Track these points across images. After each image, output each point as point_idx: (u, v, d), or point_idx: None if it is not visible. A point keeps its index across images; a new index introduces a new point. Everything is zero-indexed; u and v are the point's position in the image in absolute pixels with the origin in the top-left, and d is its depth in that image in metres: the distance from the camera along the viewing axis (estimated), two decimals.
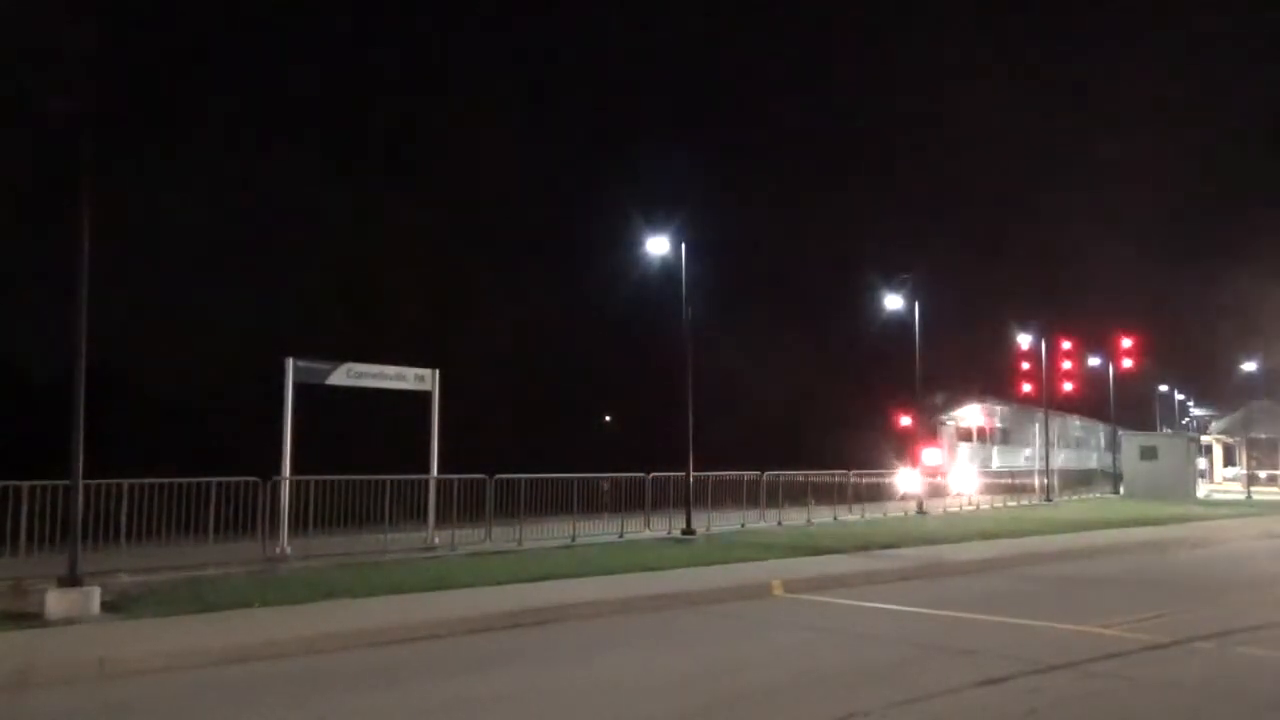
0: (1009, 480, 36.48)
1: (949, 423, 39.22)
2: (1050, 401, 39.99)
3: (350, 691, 7.60)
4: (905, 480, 30.72)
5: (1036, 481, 38.66)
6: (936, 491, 31.32)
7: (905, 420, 31.63)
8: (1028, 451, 42.37)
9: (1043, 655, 8.63)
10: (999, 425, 40.05)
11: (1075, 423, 49.83)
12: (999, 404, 37.95)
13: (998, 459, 39.60)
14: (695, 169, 71.39)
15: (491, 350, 41.24)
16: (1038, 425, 42.66)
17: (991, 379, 38.97)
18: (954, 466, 35.16)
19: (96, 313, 11.10)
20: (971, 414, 38.67)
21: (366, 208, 40.31)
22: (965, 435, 38.88)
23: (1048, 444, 40.39)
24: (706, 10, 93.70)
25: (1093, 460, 49.03)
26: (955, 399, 38.42)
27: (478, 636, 9.80)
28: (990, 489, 34.37)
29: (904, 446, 31.03)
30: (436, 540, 16.65)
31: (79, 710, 7.21)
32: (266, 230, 38.00)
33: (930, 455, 31.62)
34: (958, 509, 29.94)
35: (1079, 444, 49.59)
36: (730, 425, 45.37)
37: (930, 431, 35.32)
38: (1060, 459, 46.41)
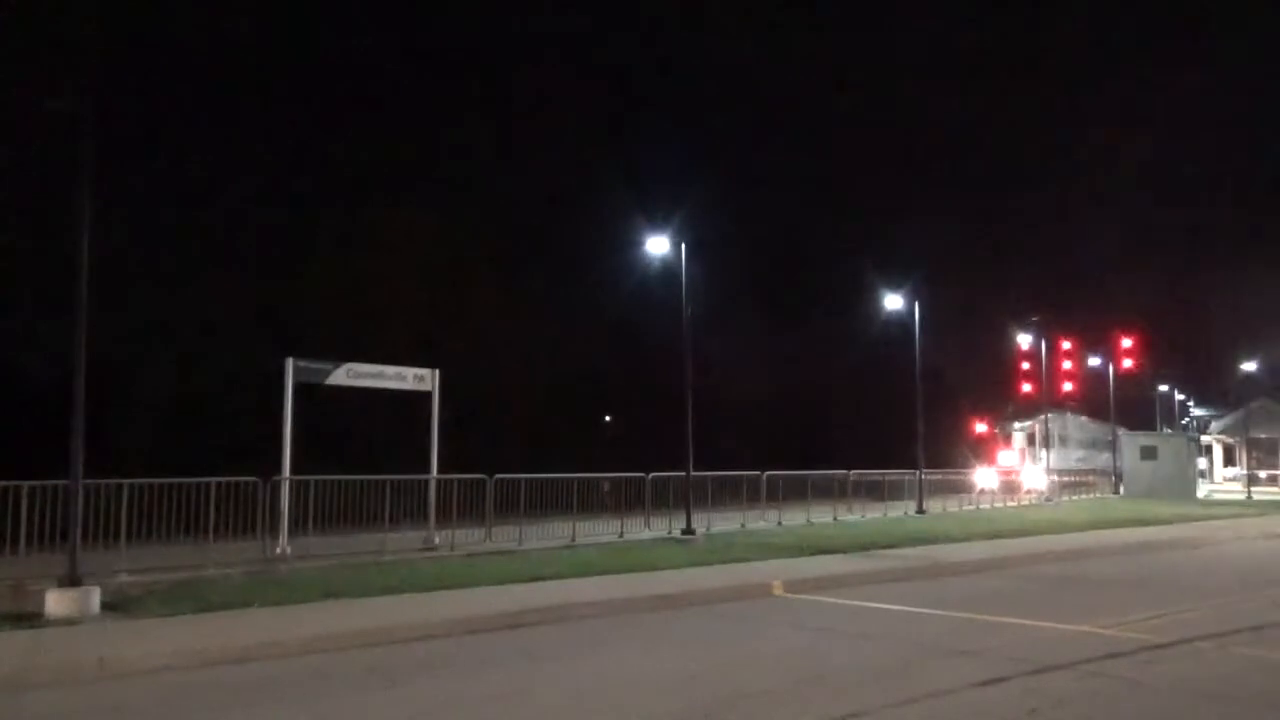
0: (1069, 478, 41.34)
1: (1018, 430, 44.16)
2: (1051, 401, 40.45)
3: (350, 691, 7.60)
4: (983, 477, 35.57)
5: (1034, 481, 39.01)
6: (1010, 488, 36.44)
7: (980, 427, 37.87)
8: (1079, 454, 47.11)
9: (1043, 655, 8.63)
10: (1058, 432, 42.97)
11: (1106, 427, 51.71)
12: (1058, 414, 42.57)
13: (1054, 460, 43.93)
14: (695, 169, 71.36)
15: (491, 350, 41.20)
16: (1081, 430, 48.41)
17: (996, 382, 41.36)
18: (1026, 467, 40.71)
19: (96, 312, 11.11)
20: (1038, 423, 43.36)
21: (367, 207, 40.28)
22: (1032, 440, 43.53)
23: (1048, 444, 40.59)
24: (707, 10, 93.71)
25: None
26: (1024, 410, 42.76)
27: (477, 636, 9.80)
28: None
29: (981, 449, 36.83)
30: (436, 540, 16.66)
31: (79, 710, 7.21)
32: (267, 229, 37.93)
33: (1005, 456, 37.85)
34: (957, 509, 29.94)
35: (1109, 446, 51.01)
36: (730, 425, 45.41)
37: (1005, 437, 41.21)
38: (1100, 460, 49.12)
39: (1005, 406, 43.14)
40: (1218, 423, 63.79)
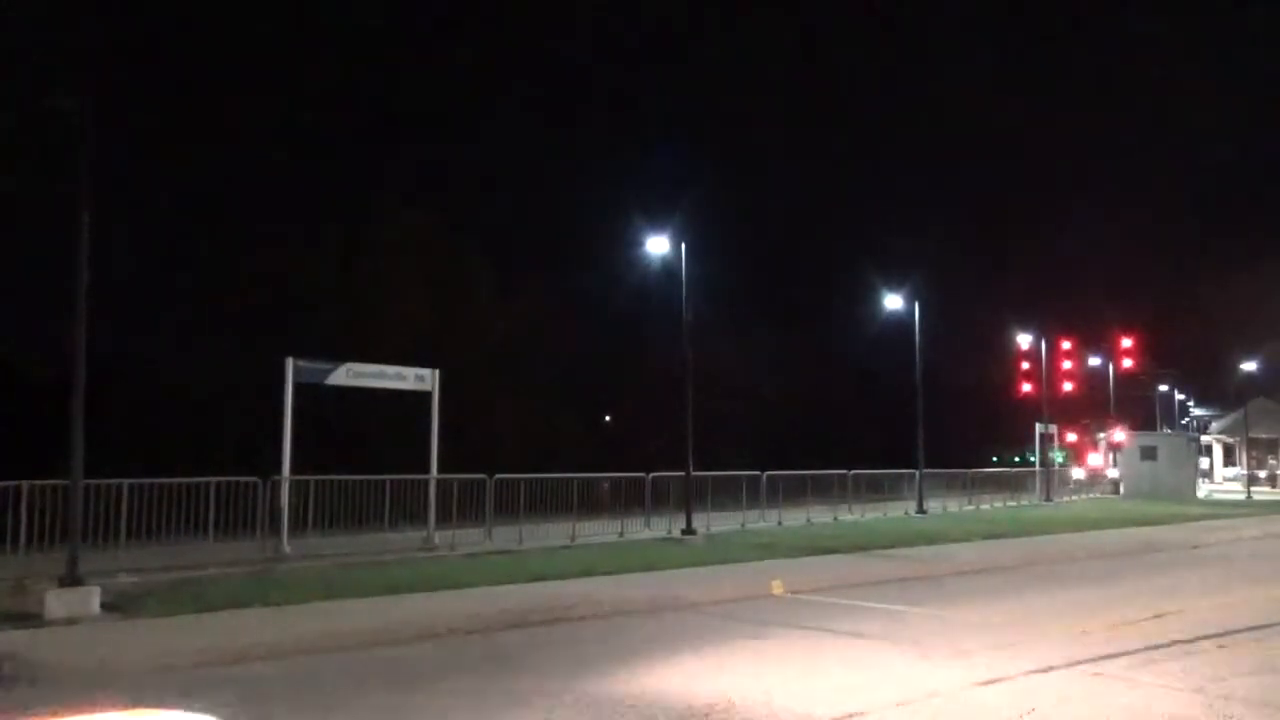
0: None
1: (1102, 437, 50.08)
2: (1050, 401, 40.60)
3: (349, 692, 7.60)
4: (1076, 474, 45.72)
5: (1037, 481, 39.05)
6: (1096, 481, 46.11)
7: (1071, 436, 45.76)
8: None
9: (1042, 655, 8.63)
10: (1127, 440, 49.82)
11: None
12: (1131, 426, 49.01)
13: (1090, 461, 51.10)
14: (695, 169, 71.37)
15: (491, 350, 41.14)
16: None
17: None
18: (1108, 467, 48.62)
19: (96, 312, 11.11)
20: (1115, 433, 49.53)
21: (367, 207, 40.24)
22: (1114, 446, 49.08)
23: (1046, 444, 40.65)
24: (707, 9, 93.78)
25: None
26: (1106, 422, 49.41)
27: (477, 637, 9.80)
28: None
29: (1072, 453, 46.54)
30: (436, 540, 16.66)
31: (77, 711, 7.19)
32: (267, 229, 37.88)
33: (1093, 458, 47.84)
34: (957, 509, 29.96)
35: None
36: (731, 425, 45.36)
37: (1093, 443, 49.02)
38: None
39: (1096, 417, 49.30)
40: (1218, 423, 63.77)
